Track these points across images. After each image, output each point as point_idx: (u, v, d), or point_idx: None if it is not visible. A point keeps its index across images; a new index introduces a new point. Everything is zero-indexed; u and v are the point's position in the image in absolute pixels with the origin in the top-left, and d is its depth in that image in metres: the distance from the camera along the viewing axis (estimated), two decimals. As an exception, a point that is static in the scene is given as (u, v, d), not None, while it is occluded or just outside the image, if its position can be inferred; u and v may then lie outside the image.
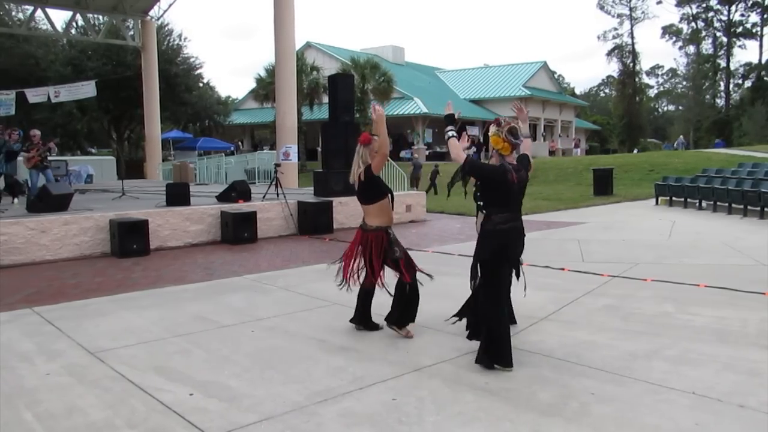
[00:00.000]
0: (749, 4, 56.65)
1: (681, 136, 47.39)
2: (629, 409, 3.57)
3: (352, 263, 5.09)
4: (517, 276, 4.68)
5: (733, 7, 57.19)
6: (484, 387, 3.94)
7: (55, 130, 30.25)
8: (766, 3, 55.53)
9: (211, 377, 4.18)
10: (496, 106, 43.77)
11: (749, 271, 7.62)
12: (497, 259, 4.28)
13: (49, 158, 13.31)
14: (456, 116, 4.65)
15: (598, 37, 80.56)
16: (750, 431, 3.32)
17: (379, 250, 4.96)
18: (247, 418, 3.53)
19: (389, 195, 5.07)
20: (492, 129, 4.31)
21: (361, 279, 5.11)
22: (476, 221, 4.83)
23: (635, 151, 46.55)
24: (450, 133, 4.46)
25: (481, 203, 4.57)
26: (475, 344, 4.59)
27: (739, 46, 58.90)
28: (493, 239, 4.25)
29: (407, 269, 4.98)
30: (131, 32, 26.12)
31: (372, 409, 3.63)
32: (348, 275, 5.09)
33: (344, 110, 13.44)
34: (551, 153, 46.01)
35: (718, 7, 58.09)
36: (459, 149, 4.33)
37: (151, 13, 25.25)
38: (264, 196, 12.41)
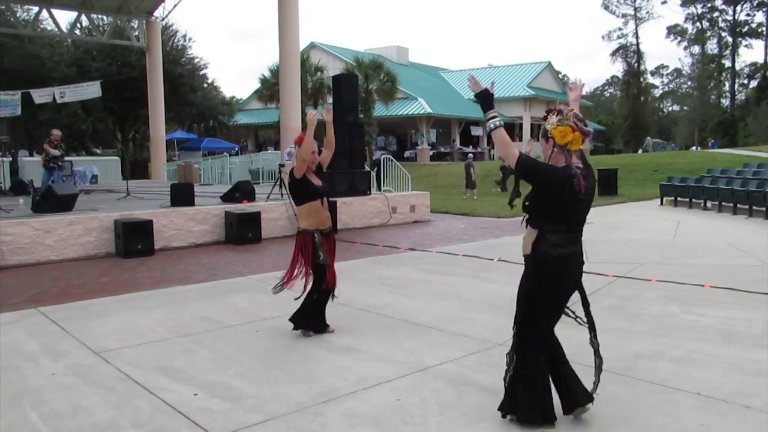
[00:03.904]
0: (755, 4, 56.46)
1: (648, 137, 47.50)
2: (634, 410, 3.56)
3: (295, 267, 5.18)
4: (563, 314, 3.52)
5: (738, 7, 57.02)
6: (489, 387, 3.93)
7: (60, 130, 30.34)
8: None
9: (215, 377, 4.19)
10: (501, 106, 43.48)
11: (755, 271, 7.59)
12: (550, 293, 3.31)
13: (53, 158, 13.46)
14: (491, 90, 3.31)
15: (603, 37, 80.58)
16: (756, 432, 3.31)
17: (303, 252, 5.03)
18: (251, 418, 3.53)
19: (321, 198, 5.07)
20: (553, 119, 3.21)
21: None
22: (523, 238, 3.43)
23: (640, 152, 46.51)
24: (497, 122, 3.24)
25: (528, 215, 3.35)
26: (478, 345, 4.60)
27: (745, 46, 58.81)
28: (547, 268, 3.25)
29: (329, 278, 5.09)
30: (136, 33, 26.19)
31: (376, 410, 3.62)
32: (289, 278, 5.18)
33: (348, 110, 13.45)
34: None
35: (723, 7, 57.94)
36: (510, 144, 3.21)
37: (156, 13, 25.31)
38: (268, 197, 12.44)
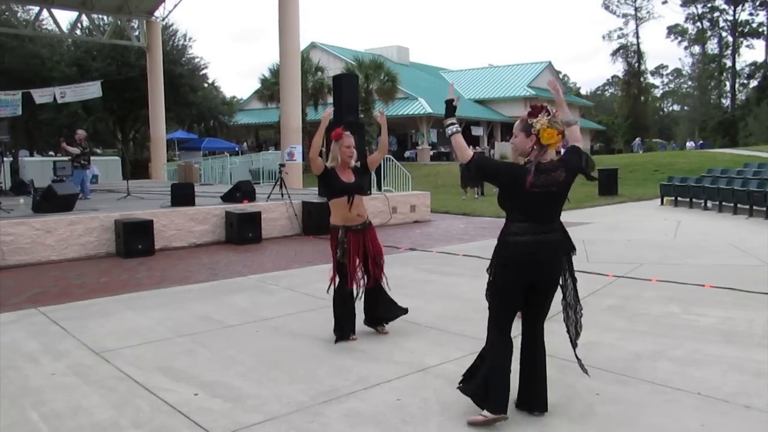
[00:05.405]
0: (757, 4, 56.44)
1: (638, 139, 47.83)
2: (634, 410, 3.56)
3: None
4: (536, 312, 3.72)
5: (739, 7, 57.03)
6: (489, 387, 3.93)
7: (60, 130, 30.37)
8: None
9: (215, 377, 4.19)
10: (501, 106, 43.69)
11: (755, 271, 7.58)
12: (506, 277, 3.45)
13: (76, 156, 13.52)
14: (454, 103, 3.71)
15: (603, 37, 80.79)
16: (756, 432, 3.31)
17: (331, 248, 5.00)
18: (251, 418, 3.53)
19: (348, 195, 4.98)
20: (543, 120, 3.35)
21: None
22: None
23: (640, 152, 46.59)
24: (453, 128, 3.59)
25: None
26: (478, 345, 4.58)
27: (747, 46, 58.86)
28: (504, 251, 3.44)
29: (348, 278, 4.96)
30: (136, 33, 26.20)
31: (377, 410, 3.62)
32: (334, 276, 5.12)
33: (348, 110, 13.44)
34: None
35: (724, 6, 57.99)
36: (465, 147, 3.53)
37: (156, 13, 25.33)
38: (268, 197, 12.43)
